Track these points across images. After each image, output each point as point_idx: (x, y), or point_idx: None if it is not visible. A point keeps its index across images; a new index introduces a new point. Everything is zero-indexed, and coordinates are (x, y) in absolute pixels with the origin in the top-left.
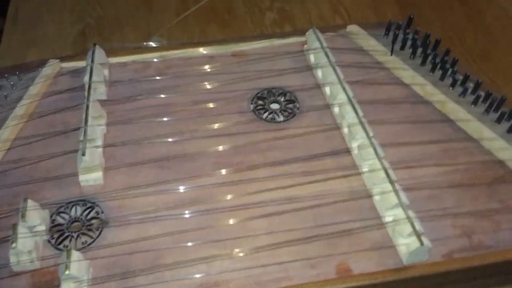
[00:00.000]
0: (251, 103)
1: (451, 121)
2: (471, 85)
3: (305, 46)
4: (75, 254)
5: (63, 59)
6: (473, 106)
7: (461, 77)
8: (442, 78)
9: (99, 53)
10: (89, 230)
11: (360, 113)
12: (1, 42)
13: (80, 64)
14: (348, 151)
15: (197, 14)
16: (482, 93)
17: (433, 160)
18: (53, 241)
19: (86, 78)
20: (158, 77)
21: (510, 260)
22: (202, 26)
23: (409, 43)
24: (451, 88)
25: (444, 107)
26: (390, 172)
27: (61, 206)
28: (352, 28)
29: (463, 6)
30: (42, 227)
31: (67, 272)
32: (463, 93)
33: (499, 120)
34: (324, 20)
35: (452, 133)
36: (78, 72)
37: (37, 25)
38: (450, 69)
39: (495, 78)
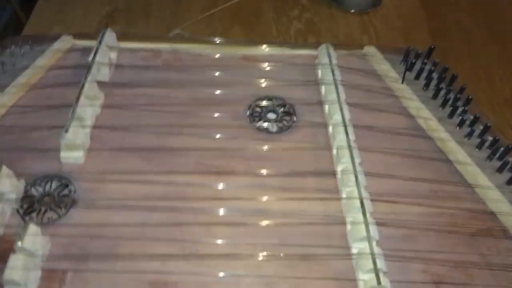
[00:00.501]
0: (248, 109)
1: (448, 162)
2: (480, 127)
3: (316, 60)
4: (33, 228)
5: (79, 35)
6: (476, 150)
7: (471, 118)
8: (451, 115)
9: (109, 36)
10: (58, 207)
11: (352, 137)
12: (31, 16)
13: (93, 44)
14: (333, 174)
15: (223, 13)
16: (489, 138)
17: (420, 199)
18: (21, 211)
19: (90, 58)
20: (164, 68)
21: None
22: (226, 26)
23: (425, 74)
24: (458, 127)
25: (445, 146)
26: (367, 203)
27: (38, 179)
28: (369, 49)
29: (499, 45)
30: (12, 196)
31: (19, 244)
32: (469, 134)
33: (500, 170)
34: (351, 39)
35: (447, 174)
36: (89, 50)
37: (68, 3)
38: (461, 108)
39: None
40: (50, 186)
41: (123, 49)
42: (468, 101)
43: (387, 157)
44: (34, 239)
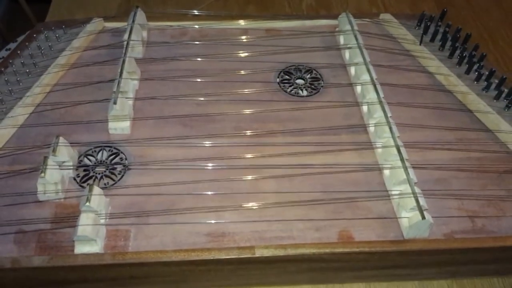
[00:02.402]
0: (278, 76)
1: (470, 112)
2: (496, 81)
3: (337, 28)
4: (97, 189)
5: (106, 18)
6: (494, 101)
7: (486, 73)
8: (468, 72)
9: (140, 15)
10: (112, 173)
11: (381, 94)
12: (52, 4)
13: (122, 25)
14: (364, 128)
15: None
16: (506, 90)
17: (447, 145)
18: (78, 179)
19: (126, 36)
20: (192, 44)
21: (510, 246)
22: (241, 6)
23: (439, 36)
24: (475, 82)
25: (465, 98)
26: (402, 150)
27: (89, 149)
28: (385, 16)
29: (500, 10)
30: (70, 164)
31: (87, 204)
32: (487, 87)
33: None
34: (360, 11)
35: (470, 123)
36: (119, 31)
37: None
38: (477, 64)
39: None
40: (102, 155)
41: (152, 28)
42: (482, 58)
43: (413, 111)
44: (98, 199)
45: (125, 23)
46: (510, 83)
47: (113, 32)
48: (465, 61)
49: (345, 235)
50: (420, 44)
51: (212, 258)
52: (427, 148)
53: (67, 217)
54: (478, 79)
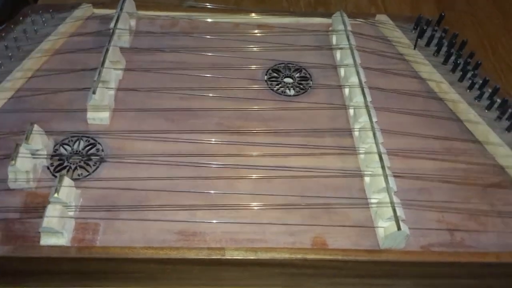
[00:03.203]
0: (266, 73)
1: (459, 121)
2: (489, 90)
3: (330, 27)
4: (67, 180)
5: (96, 4)
6: (486, 111)
7: (480, 81)
8: (461, 79)
9: (129, 3)
10: (87, 164)
11: (368, 98)
12: None
13: (112, 12)
14: (349, 132)
15: None
16: (498, 100)
17: (433, 155)
18: (51, 168)
19: (112, 24)
20: (181, 35)
21: (487, 263)
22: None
23: (435, 40)
24: (468, 90)
25: (456, 107)
26: (384, 157)
27: (66, 138)
28: (381, 17)
29: (502, 16)
30: (44, 153)
31: (55, 195)
32: (479, 97)
33: (509, 129)
34: (360, 10)
35: (458, 132)
36: (107, 18)
37: None
38: (471, 72)
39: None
40: (78, 145)
41: (142, 17)
42: (477, 66)
43: (401, 117)
44: (68, 190)
45: (112, 10)
46: (505, 95)
47: (102, 19)
48: (459, 68)
49: (319, 241)
50: (414, 49)
51: (180, 257)
52: (412, 157)
53: (37, 207)
54: (471, 87)
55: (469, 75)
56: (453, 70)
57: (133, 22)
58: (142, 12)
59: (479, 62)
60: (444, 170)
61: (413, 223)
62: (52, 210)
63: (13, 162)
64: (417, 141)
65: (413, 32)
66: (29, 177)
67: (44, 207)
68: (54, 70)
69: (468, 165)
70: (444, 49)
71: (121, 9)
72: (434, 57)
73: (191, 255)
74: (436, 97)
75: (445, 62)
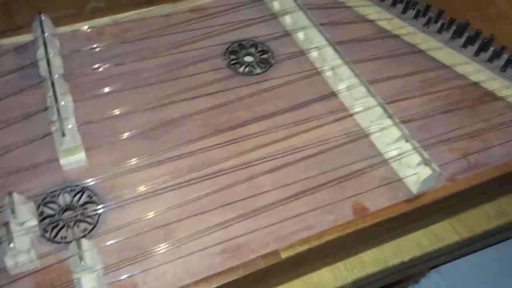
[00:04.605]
0: (224, 59)
1: (422, 52)
2: (431, 15)
3: None
4: (85, 243)
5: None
6: (438, 34)
7: (421, 8)
8: (404, 11)
9: (47, 23)
10: (86, 216)
11: (342, 54)
12: None
13: (22, 38)
14: (334, 94)
15: None
16: (445, 21)
17: (415, 91)
18: (47, 235)
19: (41, 52)
20: (116, 43)
21: (508, 172)
22: None
23: None
24: (414, 19)
25: (413, 39)
26: (387, 107)
27: (46, 196)
28: None
29: None
30: (34, 222)
31: (82, 263)
32: (427, 23)
33: (465, 45)
34: None
35: (426, 62)
36: (24, 47)
37: None
38: (411, 1)
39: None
40: (64, 198)
41: (62, 34)
42: None
43: (370, 64)
44: (90, 253)
45: (25, 36)
46: (448, 15)
47: (17, 50)
48: (398, 0)
49: (359, 208)
50: None
51: (237, 277)
52: (398, 99)
53: (52, 284)
54: (416, 16)
55: (410, 5)
56: (394, 4)
57: (58, 43)
58: (60, 28)
59: None
60: (430, 103)
61: (431, 161)
62: (88, 282)
63: (12, 245)
64: (395, 83)
65: None
66: (31, 255)
67: (65, 282)
68: None
69: (448, 91)
70: None
71: (43, 31)
72: None
73: (247, 270)
74: (392, 35)
75: None
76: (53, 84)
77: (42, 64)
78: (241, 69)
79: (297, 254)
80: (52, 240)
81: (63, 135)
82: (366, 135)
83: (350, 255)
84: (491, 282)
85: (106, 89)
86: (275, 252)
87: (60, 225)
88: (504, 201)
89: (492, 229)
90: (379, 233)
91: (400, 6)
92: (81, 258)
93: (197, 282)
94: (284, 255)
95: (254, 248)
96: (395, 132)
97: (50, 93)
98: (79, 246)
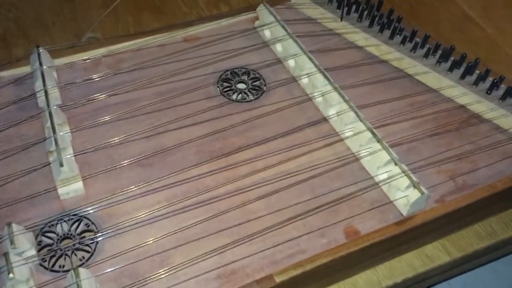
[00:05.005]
0: (218, 87)
1: (409, 76)
2: (418, 40)
3: (257, 22)
4: (83, 272)
5: None
6: (425, 59)
7: (407, 34)
8: (392, 37)
9: (45, 55)
10: (84, 245)
11: (332, 80)
12: None
13: (19, 71)
14: (325, 119)
15: (126, 4)
16: (431, 46)
17: (402, 115)
18: (46, 264)
19: (39, 84)
20: (112, 73)
21: (495, 193)
22: (135, 15)
23: (353, 7)
24: (401, 45)
25: (401, 64)
26: (376, 131)
27: (45, 226)
28: None
29: None
30: (32, 252)
31: None
32: (414, 48)
33: (451, 69)
34: None
35: (414, 86)
36: (23, 79)
37: None
38: (398, 27)
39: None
40: (62, 228)
41: (59, 65)
42: (399, 19)
43: (359, 89)
44: (88, 283)
45: (24, 68)
46: (434, 39)
47: (16, 82)
48: (386, 26)
49: (351, 231)
50: (341, 20)
51: None
52: (386, 124)
53: None
54: (403, 42)
55: (397, 31)
56: (381, 31)
57: (55, 75)
58: (57, 60)
59: (400, 16)
60: (418, 126)
61: (420, 183)
62: None
63: (11, 275)
64: (383, 108)
65: (329, 5)
66: (30, 285)
67: None
68: None
69: (435, 114)
70: (365, 13)
71: (41, 64)
72: (359, 23)
73: None
74: (380, 60)
75: (371, 25)
76: (51, 115)
77: (40, 96)
78: (234, 96)
79: (291, 278)
80: (51, 269)
81: (61, 165)
82: (357, 159)
83: (344, 277)
84: None
85: (103, 119)
86: (269, 277)
87: (58, 254)
88: (493, 221)
89: (482, 249)
90: (371, 255)
91: (387, 32)
92: (79, 287)
93: None
94: (278, 279)
95: (249, 272)
96: (384, 156)
97: (48, 124)
98: (77, 275)
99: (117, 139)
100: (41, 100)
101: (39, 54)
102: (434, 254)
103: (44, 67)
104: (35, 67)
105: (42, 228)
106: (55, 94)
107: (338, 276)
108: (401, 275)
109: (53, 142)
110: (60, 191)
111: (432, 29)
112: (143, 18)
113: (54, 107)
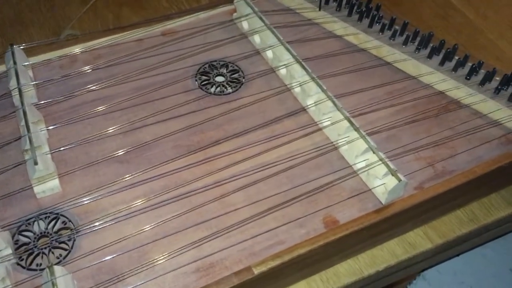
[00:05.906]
0: (196, 80)
1: (388, 64)
2: (397, 27)
3: (234, 14)
4: (59, 269)
5: None
6: (404, 46)
7: (386, 22)
8: (371, 25)
9: (19, 54)
10: (61, 242)
11: (309, 70)
12: None
13: None
14: (303, 109)
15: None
16: (410, 33)
17: (382, 103)
18: (23, 263)
19: (13, 82)
20: (89, 70)
21: (474, 178)
22: (114, 11)
23: None
24: (380, 33)
25: (379, 52)
26: (353, 120)
27: (21, 225)
28: None
29: None
30: (8, 251)
31: None
32: (393, 35)
33: (430, 56)
34: None
35: (393, 74)
36: None
37: None
38: (377, 16)
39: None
40: (39, 226)
41: (35, 64)
42: (378, 7)
43: (338, 78)
44: (64, 280)
45: None
46: (415, 26)
47: None
48: (365, 15)
49: (330, 220)
50: (319, 10)
51: None
52: (365, 112)
53: None
54: (382, 30)
55: (376, 19)
56: (360, 19)
57: (30, 73)
58: (33, 58)
59: (379, 4)
60: (397, 114)
61: (399, 171)
62: None
63: None
64: (362, 96)
65: None
66: (7, 284)
67: None
68: None
69: (414, 101)
70: (343, 1)
71: (15, 62)
72: (338, 12)
73: (224, 287)
74: (359, 49)
75: (350, 14)
76: (25, 114)
77: (15, 94)
78: (212, 89)
79: (270, 269)
80: (28, 267)
81: (35, 163)
82: (335, 148)
83: (325, 267)
84: (476, 286)
85: (80, 116)
86: (248, 269)
87: (35, 253)
88: (475, 206)
89: (464, 235)
90: (351, 244)
91: (366, 21)
92: (54, 284)
93: None
94: (256, 271)
95: (228, 265)
96: (361, 145)
97: (23, 122)
98: (51, 273)
99: (94, 136)
100: (15, 98)
101: (13, 53)
102: (416, 241)
103: (19, 65)
104: (9, 65)
105: (19, 227)
106: (30, 92)
107: (319, 266)
108: (383, 263)
109: (27, 141)
110: (36, 189)
111: (414, 17)
112: (123, 13)
113: (29, 105)
